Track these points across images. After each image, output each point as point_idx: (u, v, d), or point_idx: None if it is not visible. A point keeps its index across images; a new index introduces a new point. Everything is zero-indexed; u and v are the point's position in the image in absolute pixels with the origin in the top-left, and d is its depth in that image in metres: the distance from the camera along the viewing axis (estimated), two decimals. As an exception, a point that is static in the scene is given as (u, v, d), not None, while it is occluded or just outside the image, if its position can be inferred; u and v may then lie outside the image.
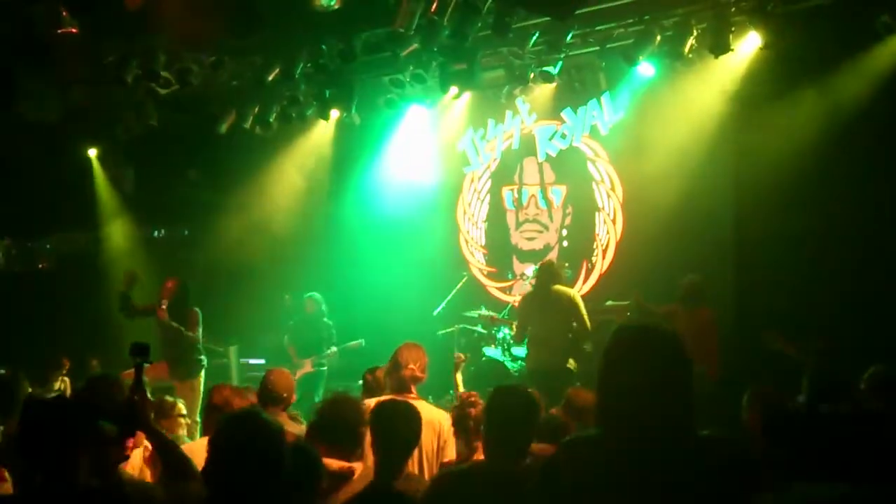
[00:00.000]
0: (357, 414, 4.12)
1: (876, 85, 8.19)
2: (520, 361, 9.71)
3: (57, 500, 3.02)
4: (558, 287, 8.54)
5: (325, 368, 10.54)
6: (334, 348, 10.56)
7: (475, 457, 4.45)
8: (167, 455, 3.59)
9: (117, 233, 12.64)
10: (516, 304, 9.46)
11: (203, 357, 8.74)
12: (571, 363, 8.30)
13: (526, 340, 8.76)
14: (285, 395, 5.08)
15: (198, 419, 7.39)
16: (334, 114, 10.68)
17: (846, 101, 8.26)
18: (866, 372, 4.98)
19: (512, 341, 9.65)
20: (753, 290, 8.96)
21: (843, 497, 2.67)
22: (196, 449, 3.92)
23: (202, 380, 8.52)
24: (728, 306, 8.90)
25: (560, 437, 4.28)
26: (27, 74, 9.20)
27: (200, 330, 8.72)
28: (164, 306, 8.56)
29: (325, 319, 10.61)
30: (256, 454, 2.80)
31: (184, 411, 5.58)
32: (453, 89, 9.62)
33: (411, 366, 5.27)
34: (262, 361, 10.96)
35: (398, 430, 3.83)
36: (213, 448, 2.88)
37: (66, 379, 8.87)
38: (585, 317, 8.34)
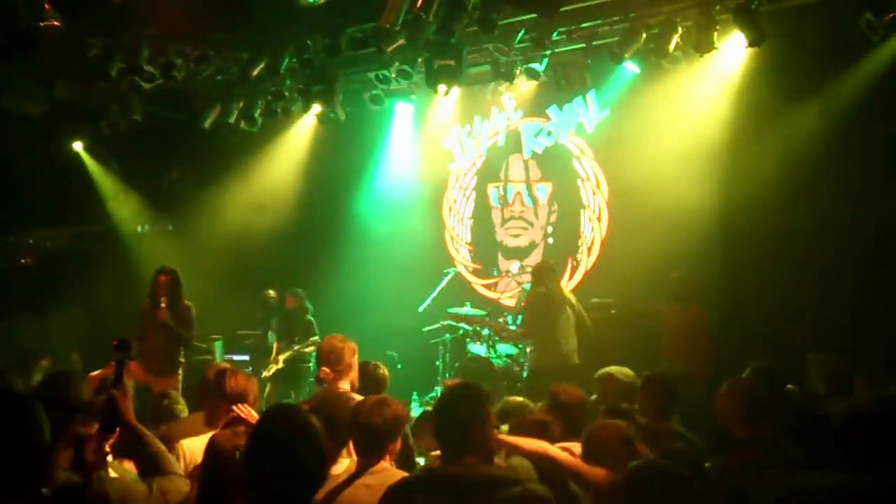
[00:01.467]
0: (348, 410, 4.12)
1: (867, 82, 8.26)
2: (505, 359, 9.72)
3: (28, 498, 3.00)
4: (562, 286, 8.61)
5: (310, 365, 10.46)
6: (296, 348, 10.35)
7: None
8: (147, 452, 3.57)
9: (102, 227, 12.56)
10: (523, 304, 9.30)
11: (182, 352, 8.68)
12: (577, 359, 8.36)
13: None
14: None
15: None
16: (317, 108, 10.64)
17: (836, 100, 8.31)
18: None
19: (512, 342, 9.62)
20: (741, 288, 8.97)
21: (839, 487, 2.83)
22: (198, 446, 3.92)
23: (181, 377, 8.41)
24: (715, 304, 8.92)
25: (546, 435, 4.32)
26: (11, 69, 9.14)
27: (194, 327, 8.54)
28: (163, 305, 8.18)
29: (308, 316, 10.48)
30: (300, 451, 2.78)
31: None
32: (443, 88, 9.58)
33: (323, 368, 5.22)
34: (246, 358, 10.92)
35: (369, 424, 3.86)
36: (256, 439, 2.86)
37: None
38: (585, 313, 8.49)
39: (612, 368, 5.71)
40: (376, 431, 3.86)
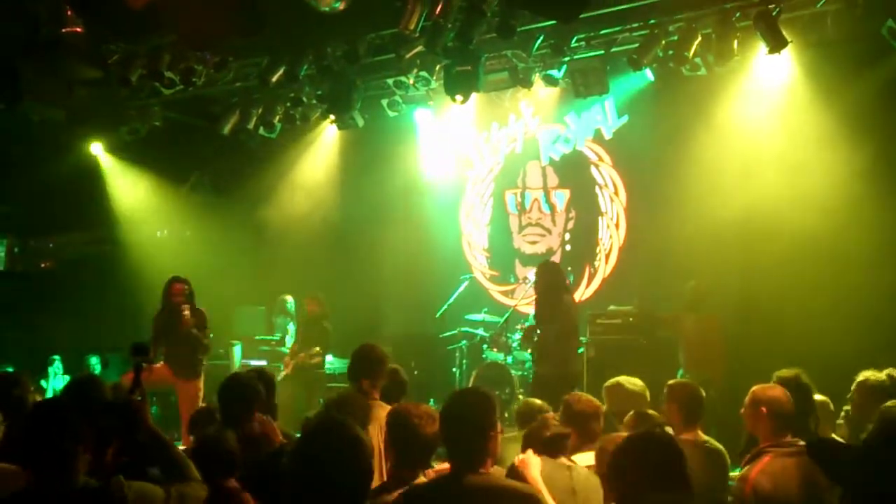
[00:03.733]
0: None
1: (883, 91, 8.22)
2: (522, 366, 9.67)
3: (53, 499, 3.01)
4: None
5: (324, 370, 10.43)
6: (301, 355, 10.21)
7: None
8: (165, 456, 3.57)
9: (120, 232, 12.62)
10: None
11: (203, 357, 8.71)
12: None
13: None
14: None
15: None
16: (336, 116, 10.64)
17: (859, 109, 8.26)
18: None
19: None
20: (758, 295, 8.92)
21: None
22: None
23: (202, 379, 8.46)
24: (732, 311, 8.86)
25: (562, 449, 4.26)
26: (32, 74, 9.19)
27: (209, 331, 8.55)
28: (187, 312, 8.12)
29: (325, 323, 10.33)
30: (346, 466, 2.71)
31: None
32: (459, 98, 9.51)
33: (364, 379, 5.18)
34: (263, 363, 10.90)
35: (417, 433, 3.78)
36: (303, 449, 2.80)
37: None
38: None
39: (621, 378, 5.65)
40: (429, 444, 3.78)
